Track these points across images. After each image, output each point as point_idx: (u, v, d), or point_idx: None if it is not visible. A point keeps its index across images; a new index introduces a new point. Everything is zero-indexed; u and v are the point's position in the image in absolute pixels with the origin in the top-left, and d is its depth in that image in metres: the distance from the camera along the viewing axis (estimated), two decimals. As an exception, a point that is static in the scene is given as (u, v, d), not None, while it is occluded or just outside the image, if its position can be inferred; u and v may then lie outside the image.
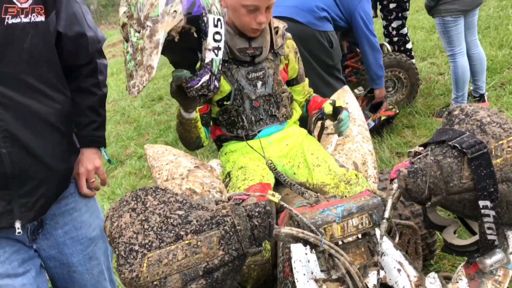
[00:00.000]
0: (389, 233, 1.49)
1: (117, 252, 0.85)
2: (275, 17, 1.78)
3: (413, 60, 4.21)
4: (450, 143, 1.00)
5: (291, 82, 1.90)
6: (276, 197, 1.04)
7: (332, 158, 1.69)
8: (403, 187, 1.02)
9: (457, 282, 1.11)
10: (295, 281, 1.13)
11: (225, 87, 1.67)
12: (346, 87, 2.34)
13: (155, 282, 0.81)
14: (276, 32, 1.73)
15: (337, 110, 1.71)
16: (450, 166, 0.97)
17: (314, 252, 1.04)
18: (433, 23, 4.04)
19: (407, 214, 1.99)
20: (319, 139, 1.96)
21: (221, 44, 1.33)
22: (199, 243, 0.84)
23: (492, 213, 0.98)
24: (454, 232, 1.18)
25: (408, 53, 4.19)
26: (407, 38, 4.21)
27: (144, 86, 1.26)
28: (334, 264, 1.01)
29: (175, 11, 1.23)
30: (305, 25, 2.91)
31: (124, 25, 1.32)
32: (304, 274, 1.14)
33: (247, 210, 0.91)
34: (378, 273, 1.06)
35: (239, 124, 1.73)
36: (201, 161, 1.97)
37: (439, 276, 1.13)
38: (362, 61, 4.20)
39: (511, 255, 1.08)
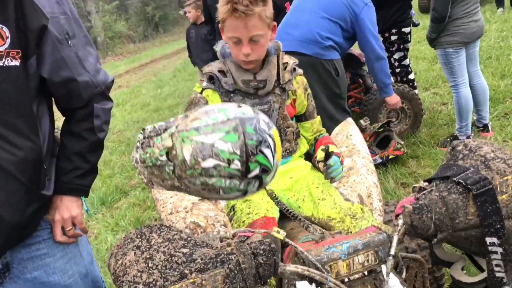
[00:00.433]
0: (396, 268, 1.47)
1: (121, 291, 0.85)
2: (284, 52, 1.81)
3: (416, 91, 4.24)
4: (455, 179, 1.00)
5: (299, 118, 1.89)
6: (281, 234, 1.03)
7: (337, 192, 1.68)
8: (408, 224, 1.02)
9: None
10: (301, 319, 1.12)
11: None
12: (350, 120, 2.35)
13: (159, 323, 0.81)
14: (285, 68, 1.73)
15: (328, 156, 1.64)
16: (456, 202, 0.97)
17: (320, 290, 1.02)
18: (435, 53, 4.09)
19: (413, 247, 1.97)
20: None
21: None
22: (203, 282, 0.84)
23: (500, 250, 0.97)
24: (462, 269, 1.16)
25: (410, 84, 4.23)
26: (409, 69, 4.26)
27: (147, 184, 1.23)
28: (340, 302, 0.99)
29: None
30: (311, 56, 2.95)
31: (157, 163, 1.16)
32: (310, 312, 1.12)
33: (252, 247, 0.91)
34: (385, 311, 1.04)
35: None
36: (206, 194, 1.97)
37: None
38: (365, 92, 4.25)
39: (520, 293, 1.07)
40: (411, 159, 3.68)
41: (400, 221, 1.09)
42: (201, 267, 0.86)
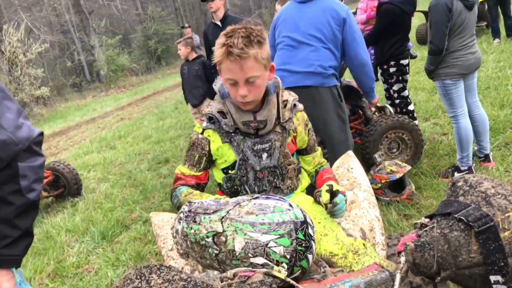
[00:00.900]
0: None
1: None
2: (286, 88, 1.82)
3: (416, 121, 4.27)
4: (456, 215, 0.99)
5: (300, 152, 1.89)
6: (283, 273, 1.02)
7: (339, 227, 1.67)
8: (410, 262, 1.01)
9: None
10: None
11: (231, 156, 1.69)
12: (350, 152, 2.36)
13: None
14: (285, 106, 1.73)
15: (333, 194, 1.61)
16: (458, 240, 0.96)
17: (323, 331, 1.01)
18: (433, 84, 4.13)
19: (418, 282, 1.93)
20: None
21: None
22: (203, 325, 0.83)
23: (504, 288, 0.95)
24: (467, 307, 1.14)
25: (410, 115, 4.26)
26: (409, 100, 4.30)
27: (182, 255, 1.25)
28: None
29: None
30: (315, 87, 2.99)
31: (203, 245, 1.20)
32: None
33: (253, 288, 0.90)
34: None
35: (242, 194, 1.73)
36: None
37: None
38: (365, 123, 4.28)
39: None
40: (413, 190, 3.66)
41: (403, 259, 1.07)
42: (201, 309, 0.84)
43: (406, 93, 4.25)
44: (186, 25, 11.42)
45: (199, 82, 5.58)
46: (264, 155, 1.70)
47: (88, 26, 24.25)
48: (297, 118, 1.79)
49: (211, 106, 1.72)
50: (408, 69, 4.19)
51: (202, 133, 1.73)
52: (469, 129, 3.52)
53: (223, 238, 1.14)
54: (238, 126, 1.67)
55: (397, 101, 4.25)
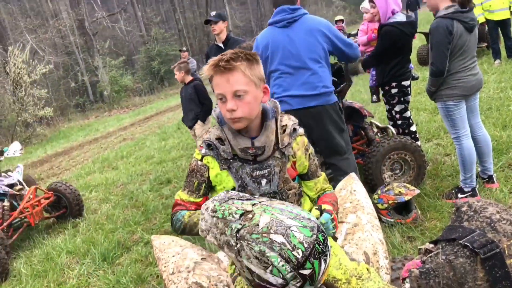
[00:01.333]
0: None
1: None
2: (287, 112, 1.82)
3: (418, 142, 4.26)
4: (461, 241, 0.98)
5: (302, 177, 1.87)
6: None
7: (342, 251, 1.65)
8: (416, 289, 0.99)
9: None
10: None
11: (229, 183, 1.69)
12: (353, 175, 2.35)
13: None
14: (284, 131, 1.71)
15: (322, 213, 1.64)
16: (463, 266, 0.95)
17: None
18: (435, 104, 4.14)
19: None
20: None
21: None
22: None
23: (512, 316, 0.93)
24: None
25: (412, 136, 4.26)
26: (411, 121, 4.30)
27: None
28: None
29: None
30: (319, 106, 3.06)
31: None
32: None
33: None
34: None
35: None
36: (208, 252, 1.94)
37: None
38: (367, 144, 4.27)
39: None
40: (416, 211, 3.62)
41: (407, 285, 1.06)
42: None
43: (408, 114, 4.25)
44: (184, 48, 11.70)
45: (193, 105, 5.79)
46: (263, 181, 1.69)
47: (92, 47, 24.58)
48: (296, 143, 1.77)
49: (210, 133, 1.72)
50: (410, 90, 4.20)
51: (201, 160, 1.73)
52: (472, 150, 3.51)
53: (250, 216, 1.21)
54: (236, 152, 1.66)
55: (399, 122, 4.26)
